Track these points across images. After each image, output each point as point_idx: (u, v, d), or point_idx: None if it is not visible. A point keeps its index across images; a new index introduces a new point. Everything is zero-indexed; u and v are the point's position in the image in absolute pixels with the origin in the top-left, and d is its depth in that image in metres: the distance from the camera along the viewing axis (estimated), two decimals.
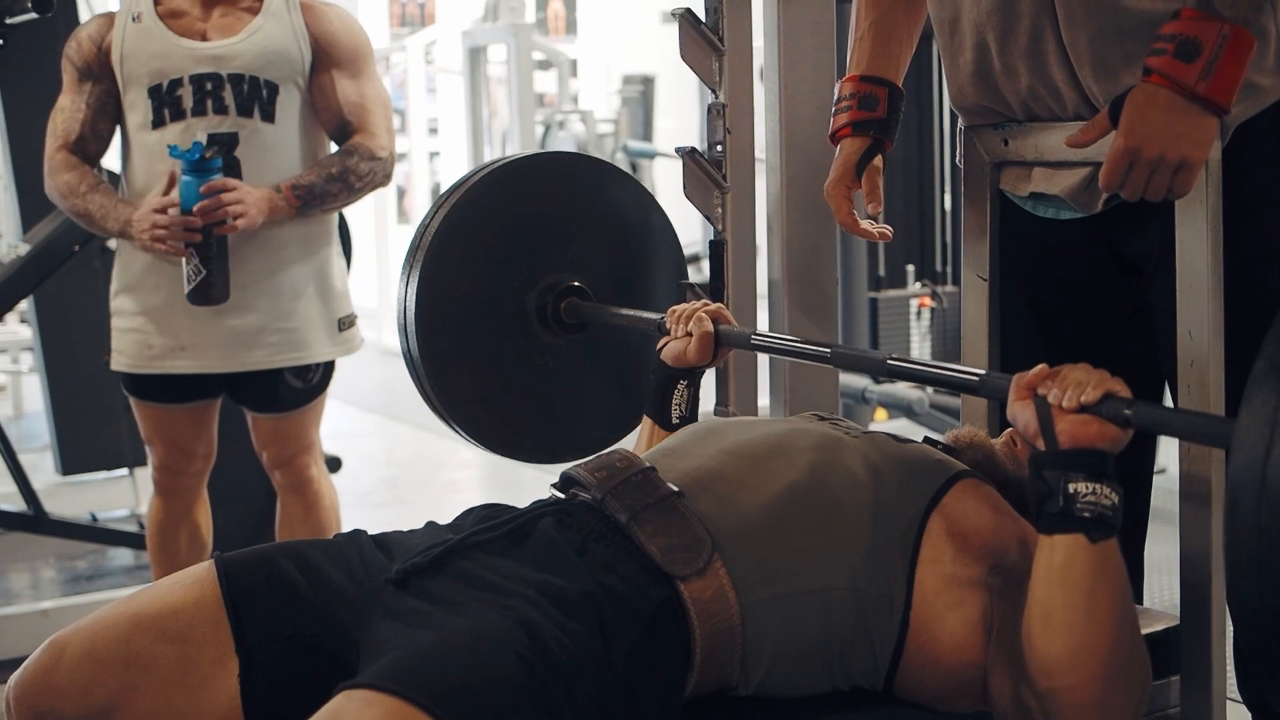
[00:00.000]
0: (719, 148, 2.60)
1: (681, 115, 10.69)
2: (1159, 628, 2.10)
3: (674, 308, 2.37)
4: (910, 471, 1.92)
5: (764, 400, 2.72)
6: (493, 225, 2.57)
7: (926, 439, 2.11)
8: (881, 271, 6.19)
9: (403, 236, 10.43)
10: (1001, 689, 1.80)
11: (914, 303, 6.25)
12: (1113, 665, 1.71)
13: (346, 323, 3.42)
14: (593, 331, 2.64)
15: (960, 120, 2.33)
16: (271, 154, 3.26)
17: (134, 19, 3.24)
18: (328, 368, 3.44)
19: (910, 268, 6.32)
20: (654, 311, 2.51)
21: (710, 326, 2.30)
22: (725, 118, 2.58)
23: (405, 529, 1.97)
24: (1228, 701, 2.07)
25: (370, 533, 1.95)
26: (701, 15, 2.58)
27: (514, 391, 2.63)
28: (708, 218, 2.64)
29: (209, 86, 3.23)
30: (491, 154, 8.43)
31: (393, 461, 6.77)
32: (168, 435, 3.45)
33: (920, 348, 6.27)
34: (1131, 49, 2.02)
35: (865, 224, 2.36)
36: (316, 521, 3.52)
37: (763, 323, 2.66)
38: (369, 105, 3.33)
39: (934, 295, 6.30)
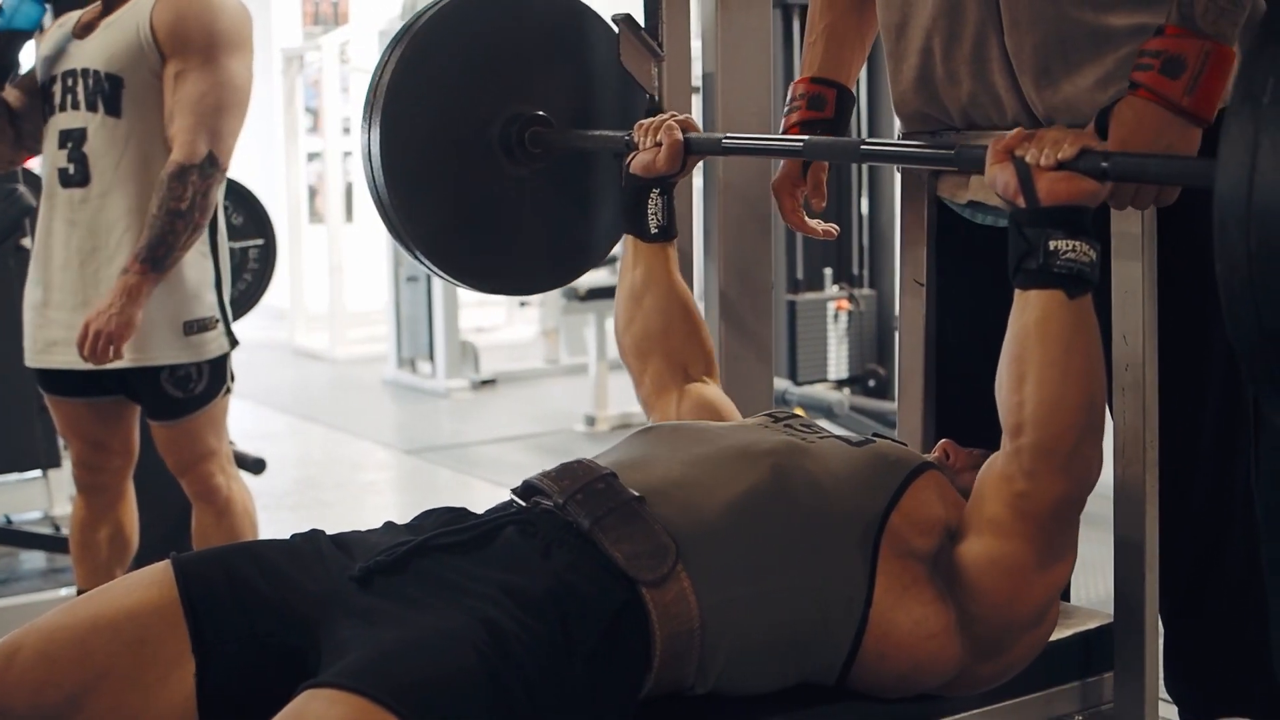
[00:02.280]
0: None
1: None
2: (1092, 625, 2.14)
3: (641, 121, 2.38)
4: (868, 474, 1.94)
5: None
6: (451, 60, 2.56)
7: (875, 435, 2.14)
8: (799, 275, 6.26)
9: (315, 237, 10.41)
10: (966, 532, 1.88)
11: (831, 306, 6.32)
12: (1085, 419, 1.79)
13: (196, 326, 3.31)
14: (557, 162, 2.65)
15: (899, 126, 2.37)
16: (122, 149, 3.22)
17: (60, 24, 3.25)
18: (215, 376, 3.36)
19: (827, 271, 6.39)
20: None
21: (680, 135, 2.31)
22: None
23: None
24: (1160, 698, 2.12)
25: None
26: (641, 21, 2.60)
27: (481, 223, 2.63)
28: None
29: (69, 82, 3.24)
30: None
31: (308, 462, 6.74)
32: (79, 430, 3.44)
33: (837, 350, 6.34)
34: (1074, 58, 2.06)
35: (813, 222, 2.40)
36: (230, 528, 3.48)
37: None
38: (181, 107, 3.20)
39: (851, 298, 6.37)
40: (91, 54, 3.21)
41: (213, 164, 3.19)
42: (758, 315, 2.68)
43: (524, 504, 1.92)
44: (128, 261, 3.16)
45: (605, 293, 6.99)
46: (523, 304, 9.66)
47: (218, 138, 3.21)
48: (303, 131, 10.51)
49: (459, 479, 6.09)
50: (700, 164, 2.67)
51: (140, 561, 3.64)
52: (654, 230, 2.35)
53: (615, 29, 2.54)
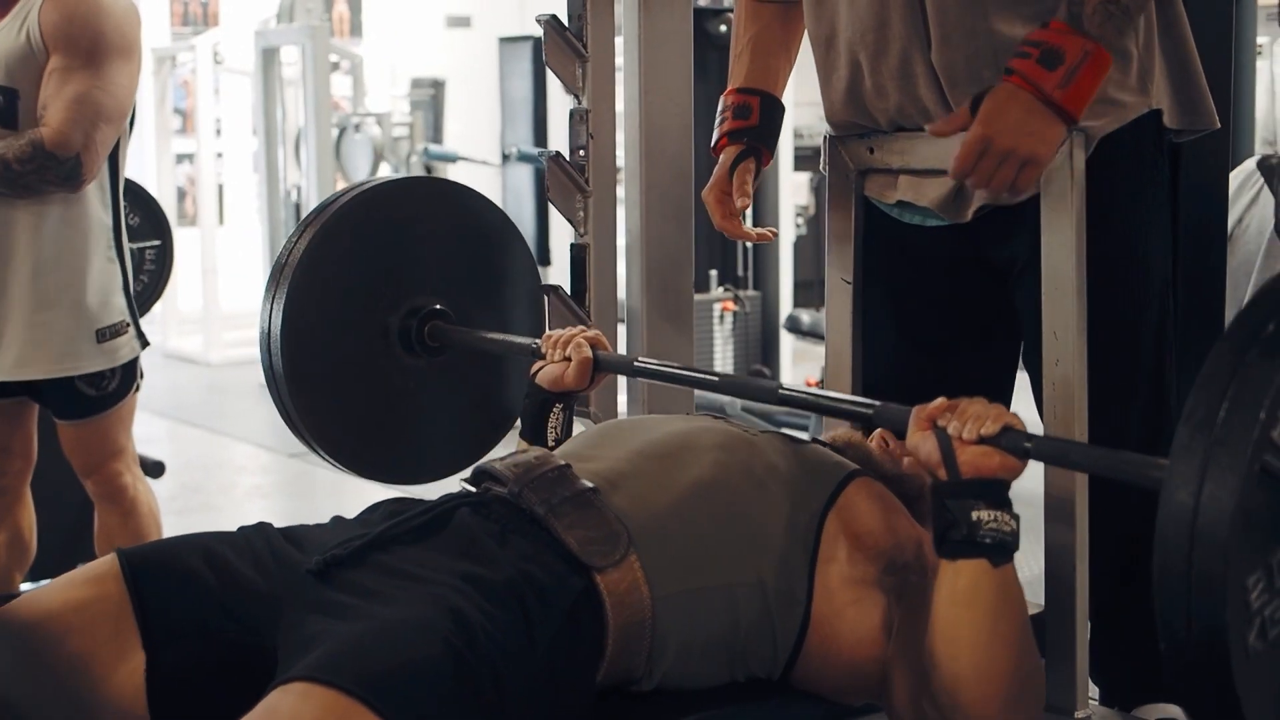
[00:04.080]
0: (581, 153, 2.64)
1: (467, 120, 10.68)
2: None
3: (549, 333, 2.39)
4: (808, 471, 1.99)
5: (622, 398, 2.76)
6: (357, 249, 2.57)
7: (815, 440, 2.18)
8: None
9: (185, 239, 10.22)
10: (900, 689, 1.88)
11: (717, 307, 6.39)
12: (1015, 682, 1.81)
13: (108, 333, 3.25)
14: (454, 354, 2.65)
15: (827, 128, 2.41)
16: None
17: None
18: (126, 373, 3.31)
19: (713, 273, 6.45)
20: (514, 331, 2.57)
21: (589, 353, 2.30)
22: (589, 123, 2.62)
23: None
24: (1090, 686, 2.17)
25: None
26: (566, 22, 2.62)
27: (377, 413, 2.63)
28: (570, 221, 2.67)
29: None
30: (284, 157, 8.33)
31: (192, 467, 6.64)
32: None
33: (723, 349, 6.40)
34: (1005, 66, 2.11)
35: (750, 228, 2.41)
36: (135, 530, 3.42)
37: (621, 328, 2.71)
38: (60, 102, 3.04)
39: (736, 299, 6.45)
40: None
41: (75, 173, 3.07)
42: (679, 318, 2.71)
43: (474, 489, 1.94)
44: None
45: None
46: None
47: (90, 145, 3.09)
48: (172, 133, 10.36)
49: (346, 481, 6.01)
50: (622, 168, 2.69)
51: (38, 567, 3.58)
52: (551, 443, 2.33)
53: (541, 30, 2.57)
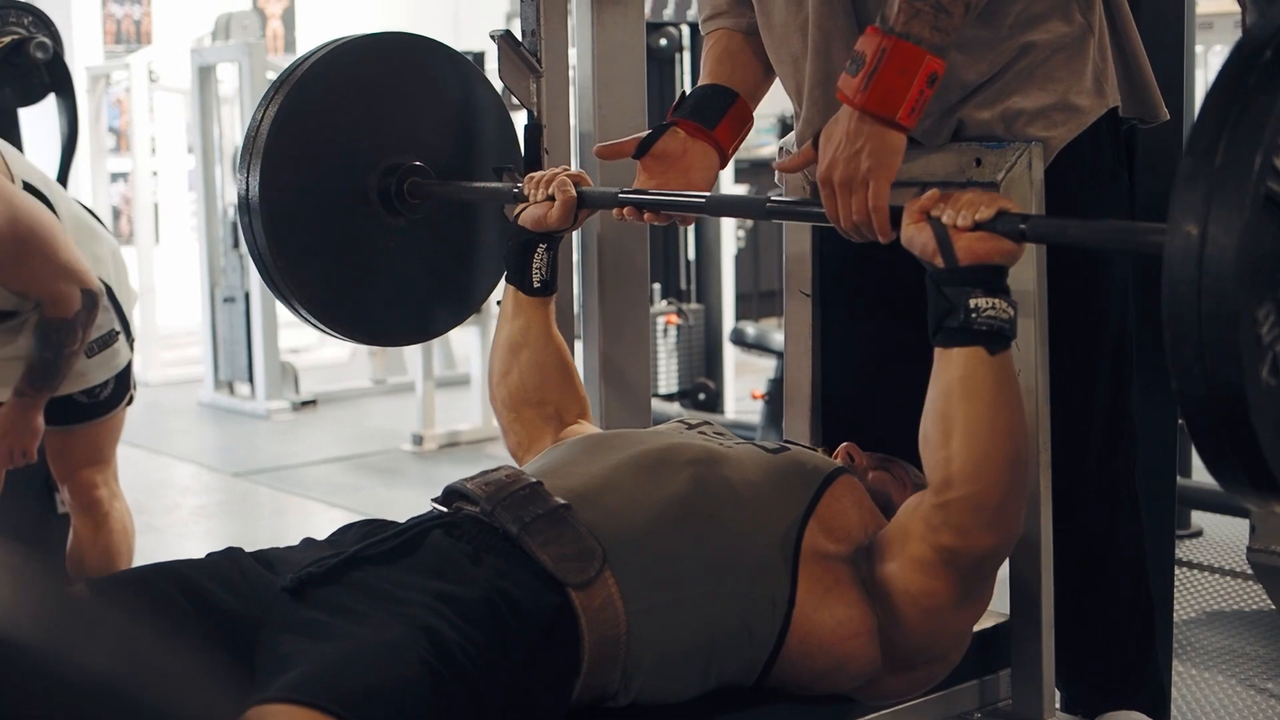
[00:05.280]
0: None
1: None
2: (989, 624, 2.20)
3: (531, 174, 2.38)
4: (787, 478, 1.99)
5: None
6: (328, 110, 2.56)
7: (789, 442, 2.18)
8: None
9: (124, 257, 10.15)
10: (889, 559, 1.90)
11: (661, 320, 6.38)
12: (1012, 471, 1.81)
13: (97, 346, 3.24)
14: (435, 211, 2.64)
15: (781, 141, 2.41)
16: None
17: None
18: (120, 383, 3.32)
19: (656, 286, 6.45)
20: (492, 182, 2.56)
21: (573, 191, 2.31)
22: (543, 138, 2.62)
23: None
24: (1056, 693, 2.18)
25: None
26: (519, 37, 2.61)
27: (361, 275, 2.62)
28: None
29: None
30: (222, 175, 8.27)
31: (134, 488, 6.49)
32: None
33: (668, 363, 6.40)
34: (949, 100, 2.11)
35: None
36: (105, 545, 3.43)
37: (578, 343, 2.70)
38: (34, 282, 3.00)
39: (680, 313, 6.44)
40: None
41: (91, 299, 3.07)
42: (636, 329, 2.70)
43: (445, 509, 1.93)
44: (20, 384, 3.08)
45: None
46: None
47: (75, 271, 3.03)
48: (107, 152, 10.27)
49: (291, 501, 6.00)
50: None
51: None
52: (537, 284, 2.35)
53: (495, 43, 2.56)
